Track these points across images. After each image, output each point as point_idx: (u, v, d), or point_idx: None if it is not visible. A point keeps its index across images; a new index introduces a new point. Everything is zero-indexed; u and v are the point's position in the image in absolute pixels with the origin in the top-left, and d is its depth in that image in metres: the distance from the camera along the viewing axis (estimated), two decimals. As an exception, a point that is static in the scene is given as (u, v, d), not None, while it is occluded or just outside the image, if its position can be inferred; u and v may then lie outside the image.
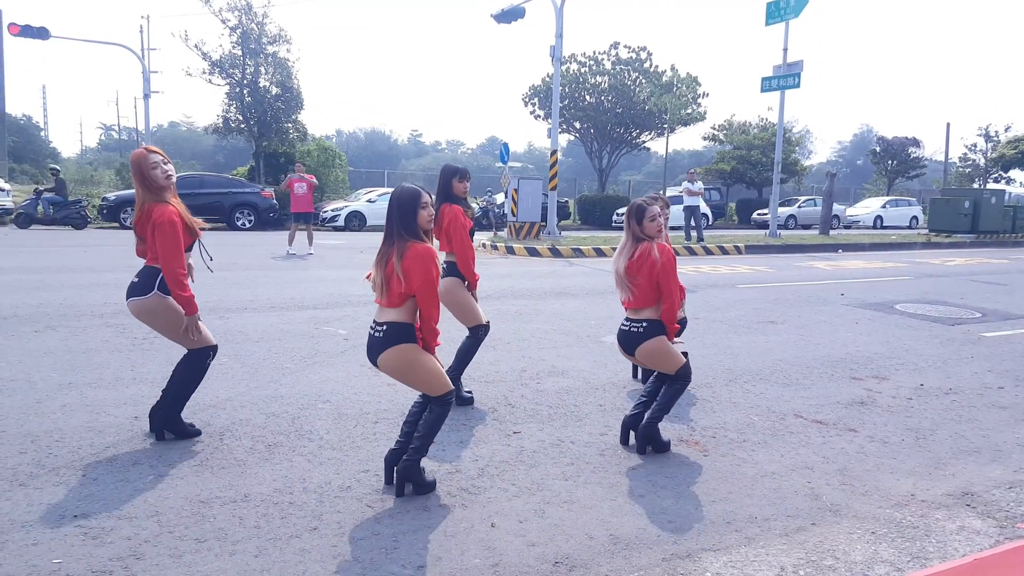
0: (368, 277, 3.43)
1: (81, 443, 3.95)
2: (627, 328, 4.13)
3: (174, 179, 4.01)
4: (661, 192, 21.77)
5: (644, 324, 4.05)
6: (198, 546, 2.91)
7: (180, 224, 3.87)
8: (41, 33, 23.30)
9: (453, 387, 3.46)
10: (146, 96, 26.42)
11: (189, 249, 4.01)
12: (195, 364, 4.08)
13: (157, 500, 3.30)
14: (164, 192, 3.93)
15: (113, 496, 3.33)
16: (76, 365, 5.48)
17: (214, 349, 4.15)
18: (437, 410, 3.41)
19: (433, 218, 3.42)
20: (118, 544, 2.90)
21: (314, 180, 14.79)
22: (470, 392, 4.98)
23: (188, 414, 4.34)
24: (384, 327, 3.31)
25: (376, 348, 3.34)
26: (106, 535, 2.97)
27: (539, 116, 34.31)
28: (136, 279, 3.96)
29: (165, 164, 3.95)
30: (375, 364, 3.38)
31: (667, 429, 4.48)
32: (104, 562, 2.76)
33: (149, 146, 4.05)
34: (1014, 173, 38.24)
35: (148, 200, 3.90)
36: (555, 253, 15.72)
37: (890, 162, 42.55)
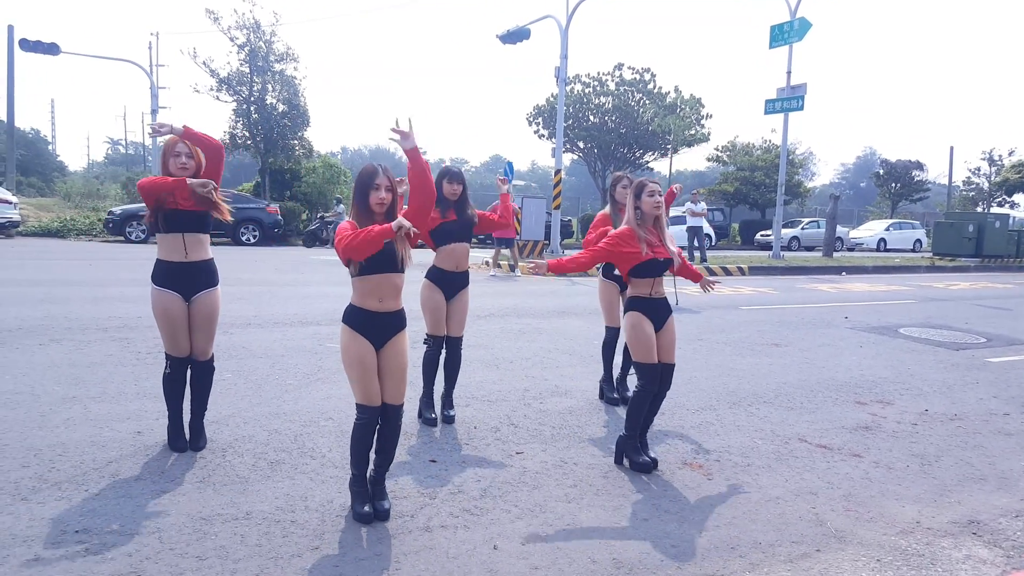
0: None
1: (84, 457, 3.94)
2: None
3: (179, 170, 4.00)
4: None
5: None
6: (199, 564, 2.89)
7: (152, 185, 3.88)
8: (51, 49, 23.63)
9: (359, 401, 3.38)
10: (154, 111, 26.68)
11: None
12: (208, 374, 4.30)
13: (159, 516, 3.29)
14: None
15: (115, 512, 3.32)
16: (80, 379, 5.48)
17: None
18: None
19: (385, 203, 3.23)
20: (119, 560, 2.89)
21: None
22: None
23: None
24: None
25: None
26: (107, 551, 2.96)
27: (543, 135, 34.51)
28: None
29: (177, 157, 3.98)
30: None
31: (670, 451, 4.48)
32: (105, 579, 2.75)
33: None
34: (1018, 197, 38.26)
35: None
36: (558, 272, 15.71)
37: (894, 185, 42.66)
